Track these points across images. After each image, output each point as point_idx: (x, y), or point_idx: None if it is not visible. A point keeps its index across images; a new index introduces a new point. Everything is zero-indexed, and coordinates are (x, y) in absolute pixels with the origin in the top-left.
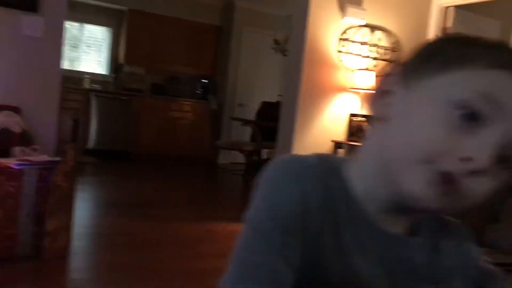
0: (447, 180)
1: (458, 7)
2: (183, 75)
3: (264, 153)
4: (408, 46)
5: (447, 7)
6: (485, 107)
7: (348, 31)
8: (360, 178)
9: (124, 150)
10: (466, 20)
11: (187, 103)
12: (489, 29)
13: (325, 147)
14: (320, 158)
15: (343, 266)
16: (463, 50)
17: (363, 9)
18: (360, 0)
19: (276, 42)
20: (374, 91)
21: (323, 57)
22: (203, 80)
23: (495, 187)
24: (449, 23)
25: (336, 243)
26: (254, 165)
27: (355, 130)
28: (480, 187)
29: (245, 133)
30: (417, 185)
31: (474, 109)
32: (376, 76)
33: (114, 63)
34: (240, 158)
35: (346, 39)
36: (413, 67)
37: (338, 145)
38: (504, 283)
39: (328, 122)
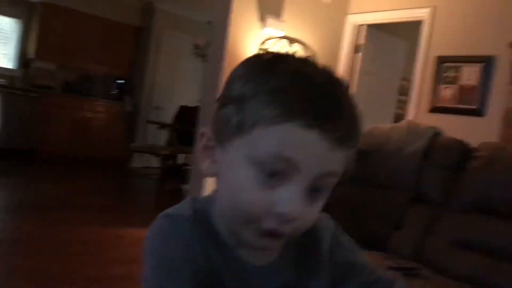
0: (272, 233)
1: (370, 26)
2: (98, 74)
3: (181, 158)
4: (324, 60)
5: (360, 25)
6: (281, 165)
7: (267, 42)
8: (220, 222)
9: (30, 150)
10: (377, 39)
11: (101, 103)
12: (397, 48)
13: None
14: (193, 208)
15: None
16: (248, 111)
17: (283, 21)
18: (280, 12)
19: (197, 46)
20: (196, 149)
21: None
22: (119, 81)
23: (318, 209)
24: (361, 40)
25: (219, 284)
26: (170, 170)
27: None
28: (304, 220)
29: (161, 137)
30: (250, 239)
31: (273, 167)
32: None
33: (23, 58)
34: (155, 162)
35: (265, 49)
36: (216, 127)
37: None
38: (365, 272)
39: None
